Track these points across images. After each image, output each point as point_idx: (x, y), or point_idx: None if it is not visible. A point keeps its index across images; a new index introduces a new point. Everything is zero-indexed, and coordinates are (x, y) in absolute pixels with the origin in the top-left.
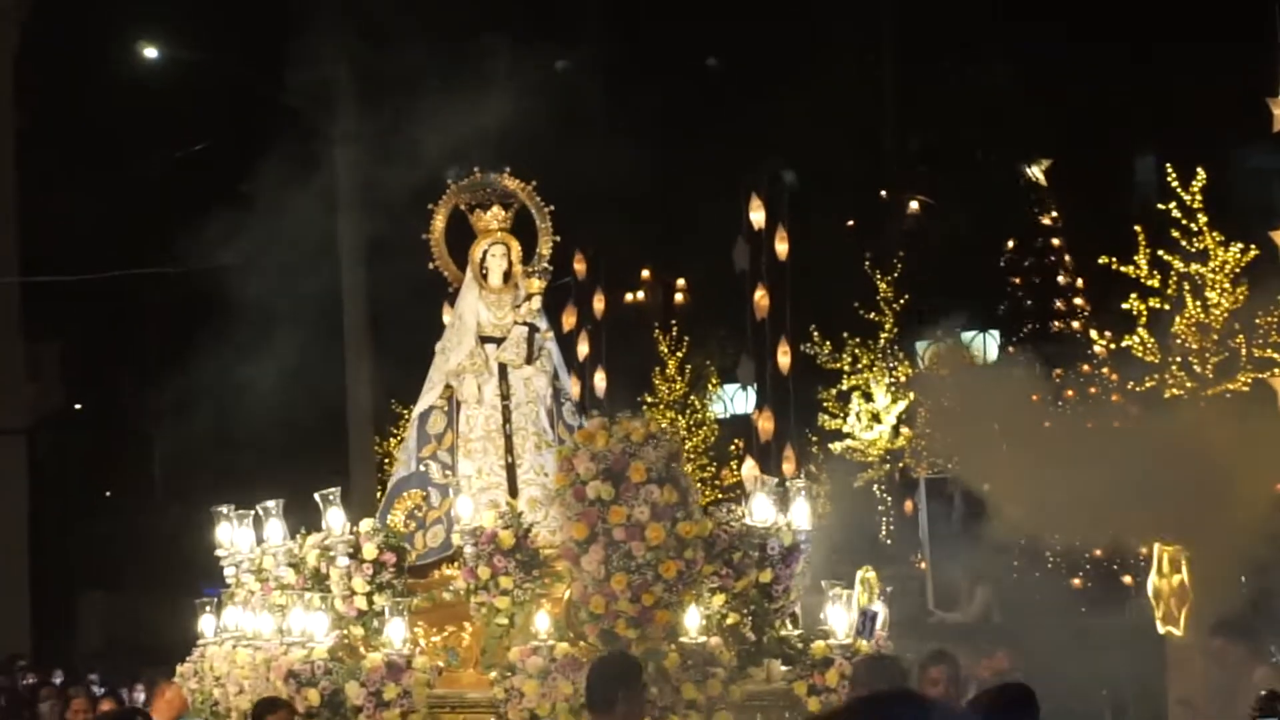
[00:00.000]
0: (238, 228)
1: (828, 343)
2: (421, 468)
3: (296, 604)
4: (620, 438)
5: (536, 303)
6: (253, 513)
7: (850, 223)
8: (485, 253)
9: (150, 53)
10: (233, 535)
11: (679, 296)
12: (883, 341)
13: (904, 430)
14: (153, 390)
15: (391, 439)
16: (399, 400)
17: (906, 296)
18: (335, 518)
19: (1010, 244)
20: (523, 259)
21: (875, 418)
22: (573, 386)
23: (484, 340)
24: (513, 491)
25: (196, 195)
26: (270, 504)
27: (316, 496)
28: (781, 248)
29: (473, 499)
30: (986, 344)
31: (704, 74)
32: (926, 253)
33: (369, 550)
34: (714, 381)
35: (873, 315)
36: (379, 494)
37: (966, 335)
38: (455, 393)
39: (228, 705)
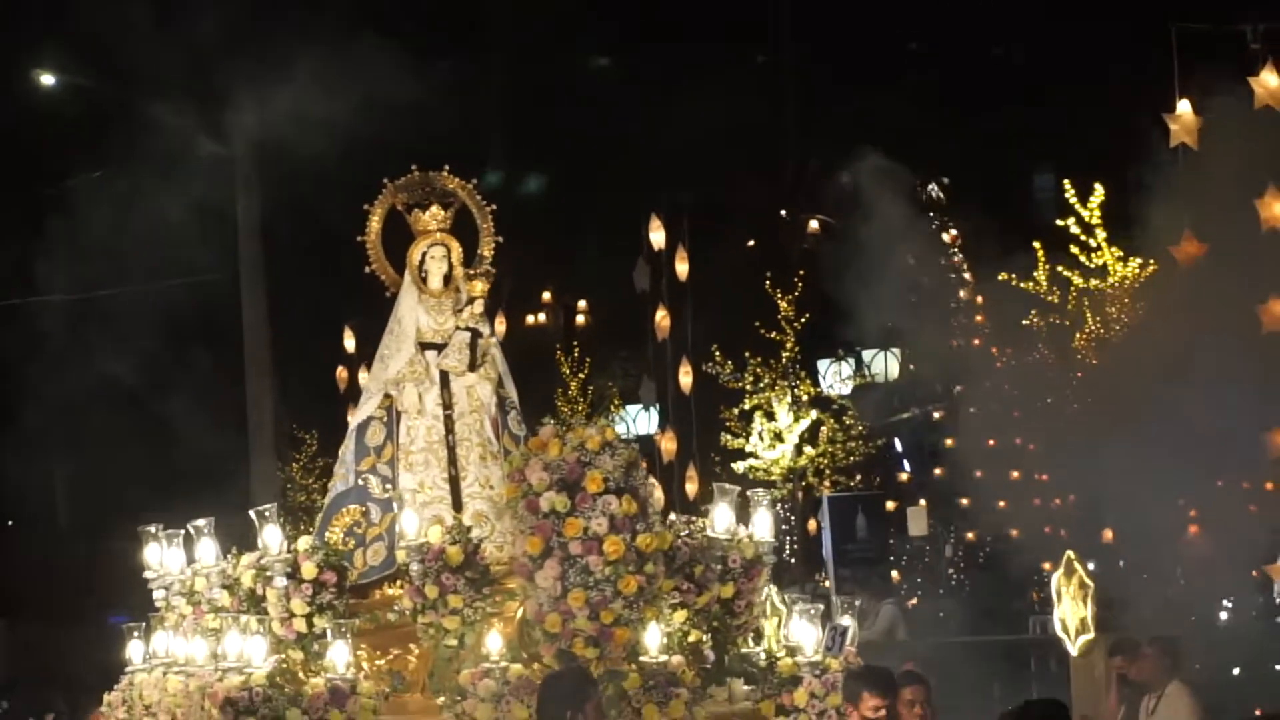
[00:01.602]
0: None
1: (729, 362)
2: (360, 482)
3: (231, 627)
4: (575, 446)
5: (479, 306)
6: (182, 532)
7: (750, 242)
8: (424, 255)
9: (47, 79)
10: (162, 556)
11: (580, 318)
12: (784, 360)
13: (806, 449)
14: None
15: (294, 464)
16: (300, 426)
17: (807, 315)
18: (271, 535)
19: (910, 262)
20: (464, 261)
21: (778, 436)
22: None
23: (424, 347)
24: (457, 505)
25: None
26: (201, 522)
27: (251, 514)
28: (682, 268)
29: (416, 513)
30: (887, 362)
31: (604, 95)
32: (826, 271)
33: (308, 569)
34: (616, 403)
35: (774, 334)
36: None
37: (867, 353)
38: (395, 402)
39: None
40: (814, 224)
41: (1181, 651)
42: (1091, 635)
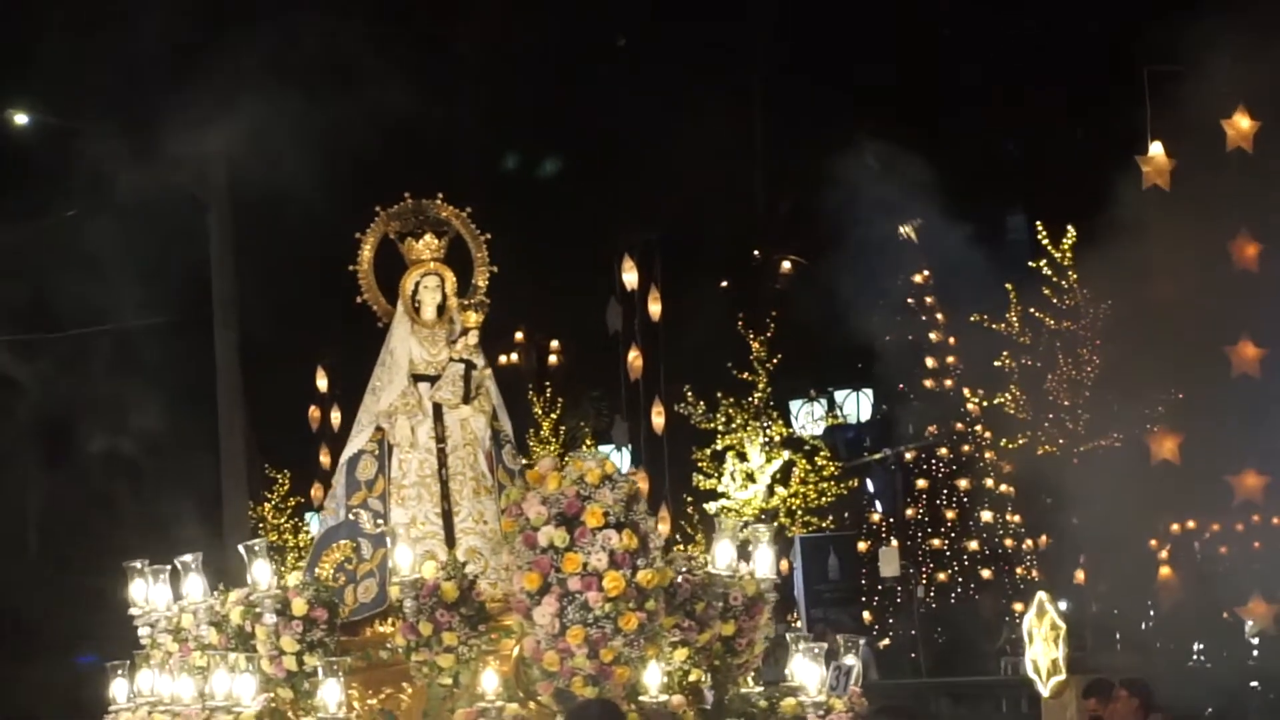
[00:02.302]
0: (111, 292)
1: (702, 403)
2: (351, 516)
3: (219, 665)
4: (574, 479)
5: (473, 338)
6: (169, 567)
7: (723, 283)
8: (417, 284)
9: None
10: (148, 592)
11: (553, 358)
12: (756, 401)
13: (779, 490)
14: (26, 454)
15: (266, 503)
16: (273, 465)
17: (779, 356)
18: (261, 571)
19: (882, 303)
20: (458, 291)
21: (750, 477)
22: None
23: (417, 379)
24: (450, 541)
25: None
26: (188, 558)
27: (241, 549)
28: (655, 308)
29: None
30: (859, 403)
31: (577, 135)
32: (799, 312)
33: (298, 606)
34: (589, 443)
35: (746, 375)
36: None
37: (840, 394)
38: (387, 435)
39: None
40: (786, 264)
41: (1154, 694)
42: (1063, 677)
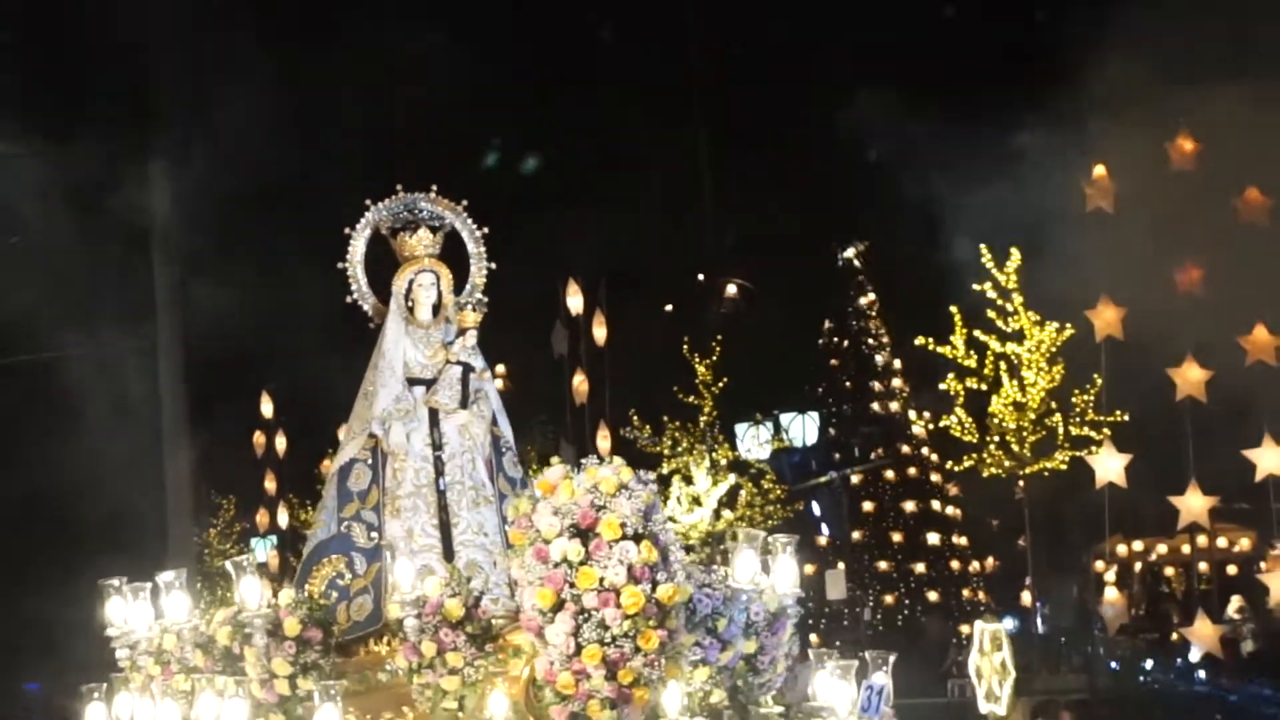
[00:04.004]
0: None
1: (648, 426)
2: (343, 529)
3: (206, 689)
4: (588, 488)
5: (471, 339)
6: (149, 585)
7: (668, 307)
8: (412, 282)
9: None
10: (126, 612)
11: (499, 383)
12: (702, 425)
13: (725, 513)
14: None
15: (211, 529)
16: (217, 491)
17: (725, 380)
18: (250, 589)
19: (827, 325)
20: (454, 289)
21: (696, 500)
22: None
23: (412, 382)
24: (448, 554)
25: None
26: (170, 575)
27: (229, 565)
28: (600, 333)
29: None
30: (805, 426)
31: (522, 160)
32: (744, 336)
33: (291, 626)
34: (535, 468)
35: (691, 399)
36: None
37: (786, 417)
38: (380, 443)
39: None
40: (731, 288)
41: (1097, 716)
42: (1010, 697)
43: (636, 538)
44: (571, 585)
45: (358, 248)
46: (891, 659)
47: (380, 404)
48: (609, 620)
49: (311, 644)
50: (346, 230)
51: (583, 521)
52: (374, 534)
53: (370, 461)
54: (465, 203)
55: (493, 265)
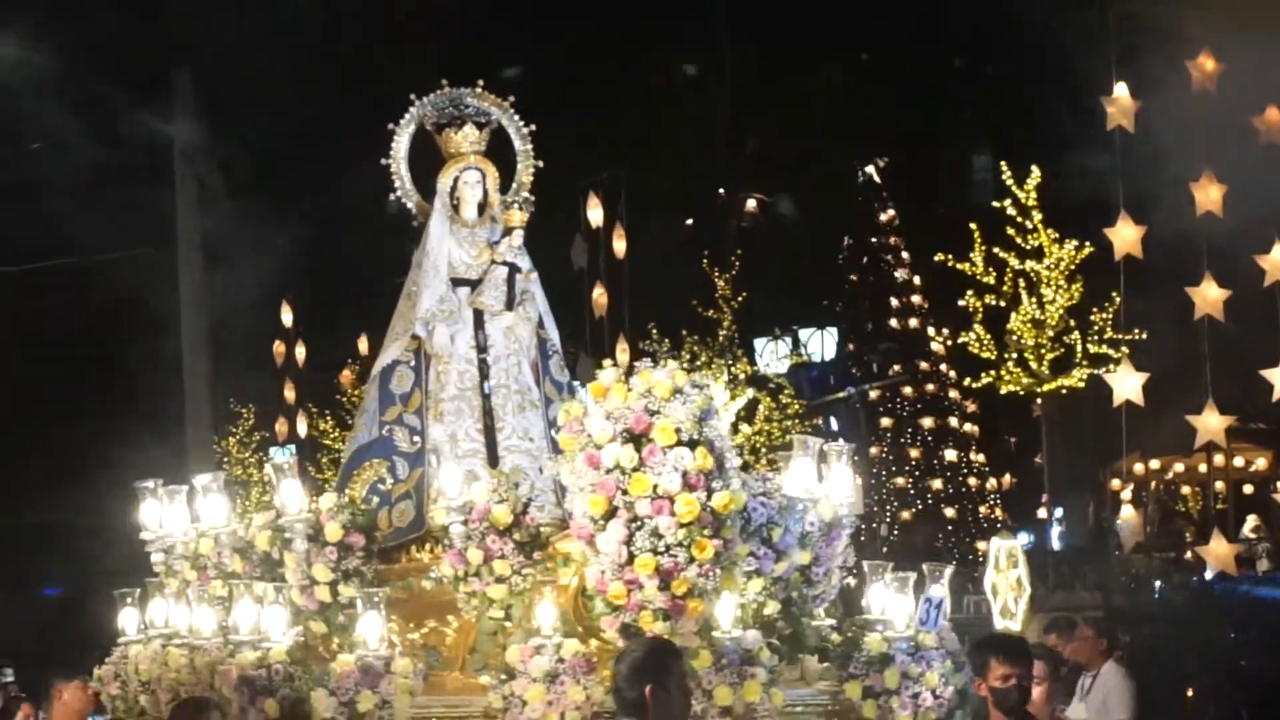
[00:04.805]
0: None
1: (666, 340)
2: (385, 433)
3: (244, 596)
4: (641, 393)
5: (518, 239)
6: (185, 488)
7: (688, 221)
8: (457, 179)
9: None
10: (161, 515)
11: None
12: (721, 338)
13: (743, 427)
14: None
15: (230, 437)
16: (237, 400)
17: (744, 294)
18: (291, 492)
19: (846, 241)
20: (500, 187)
21: None
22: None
23: (456, 283)
24: (492, 460)
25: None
26: (207, 478)
27: (268, 467)
28: (619, 245)
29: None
30: (824, 341)
31: (541, 71)
32: (763, 251)
33: (332, 531)
34: None
35: (710, 313)
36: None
37: (804, 332)
38: (423, 345)
39: (158, 713)
40: (751, 203)
41: (1116, 632)
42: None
43: (692, 444)
44: (624, 492)
45: (402, 143)
46: (948, 571)
47: (424, 304)
48: (663, 529)
49: (354, 549)
50: (390, 126)
51: (636, 426)
52: (416, 438)
53: (413, 364)
54: (512, 98)
55: (540, 164)
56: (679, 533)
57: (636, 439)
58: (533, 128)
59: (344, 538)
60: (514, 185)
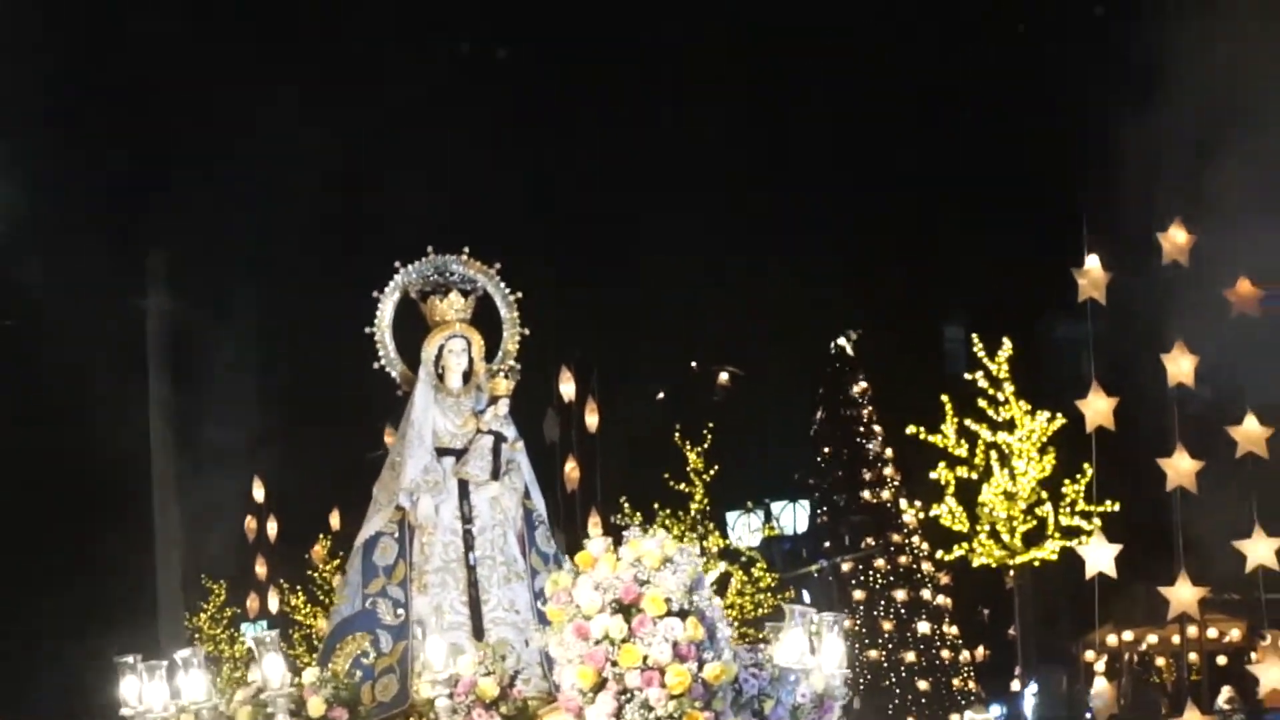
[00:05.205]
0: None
1: (638, 514)
2: (368, 605)
3: None
4: (630, 562)
5: (503, 407)
6: (165, 663)
7: (660, 395)
8: (442, 348)
9: None
10: (141, 690)
11: None
12: (693, 512)
13: (716, 600)
14: None
15: (201, 613)
16: (209, 576)
17: (716, 467)
18: (273, 666)
19: (819, 414)
20: (485, 356)
21: None
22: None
23: (441, 452)
24: (477, 632)
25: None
26: (187, 652)
27: (249, 640)
28: (591, 419)
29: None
30: (796, 514)
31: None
32: (736, 424)
33: (315, 706)
34: None
35: (682, 486)
36: None
37: (776, 505)
38: (407, 516)
39: None
40: (724, 375)
41: None
42: None
43: (682, 614)
44: (614, 664)
45: (386, 310)
46: None
47: (408, 475)
48: (653, 701)
49: None
50: (375, 294)
51: (625, 597)
52: (400, 610)
53: (397, 535)
54: (498, 265)
55: (525, 331)
56: (670, 705)
57: (626, 609)
58: (519, 295)
59: (327, 712)
60: (499, 353)
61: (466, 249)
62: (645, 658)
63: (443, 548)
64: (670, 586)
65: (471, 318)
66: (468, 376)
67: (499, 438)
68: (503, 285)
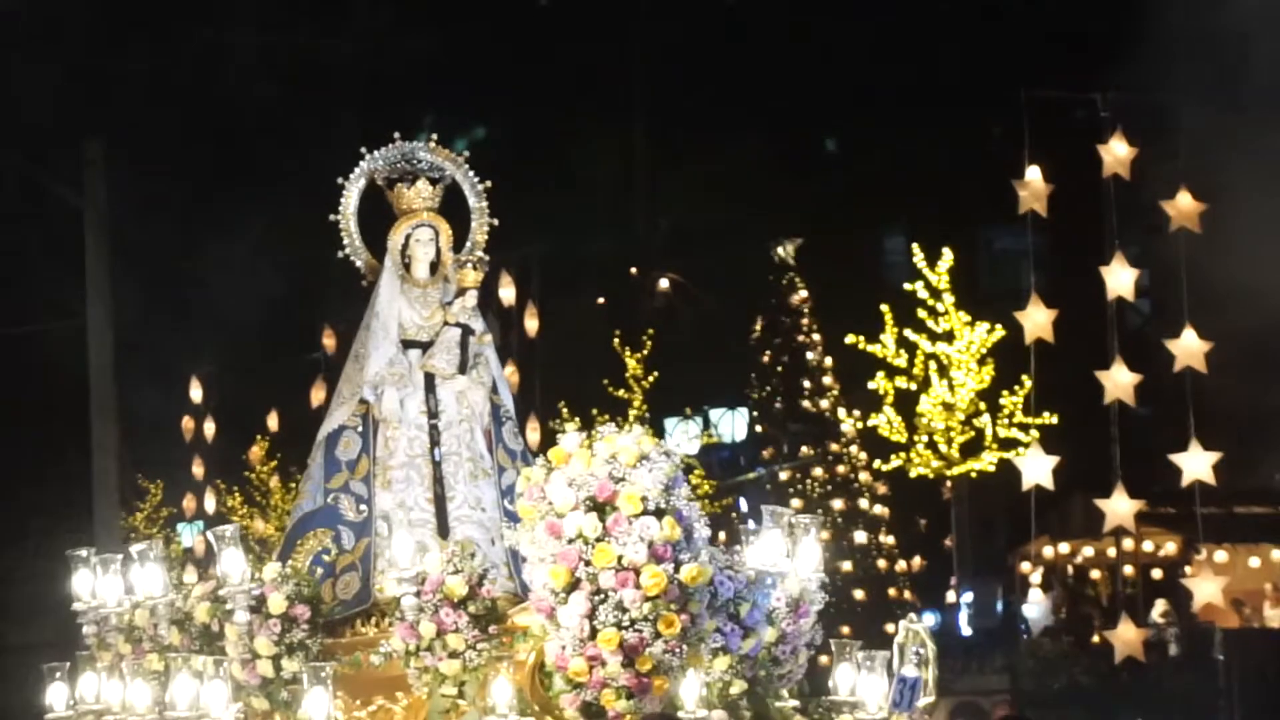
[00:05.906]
0: None
1: (577, 420)
2: (329, 501)
3: (182, 670)
4: (606, 459)
5: (471, 300)
6: (120, 557)
7: (600, 299)
8: (409, 237)
9: None
10: (95, 585)
11: None
12: (631, 419)
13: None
14: None
15: (138, 513)
16: (145, 475)
17: (655, 374)
18: (233, 562)
19: (759, 323)
20: (453, 246)
21: None
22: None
23: (406, 345)
24: (442, 530)
25: None
26: (144, 546)
27: (209, 535)
28: (531, 324)
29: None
30: (735, 422)
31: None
32: (675, 331)
33: (276, 602)
34: None
35: (621, 392)
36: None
37: (715, 413)
38: (371, 410)
39: None
40: (664, 282)
41: (1025, 717)
42: (932, 699)
43: (659, 513)
44: (587, 563)
45: (351, 198)
46: (928, 650)
47: (372, 367)
48: (628, 602)
49: (298, 622)
50: (340, 180)
51: (600, 494)
52: (363, 507)
53: (360, 429)
54: (466, 154)
55: (495, 221)
56: (645, 606)
57: (600, 507)
58: (488, 184)
59: (288, 610)
60: (468, 244)
61: (435, 136)
62: (620, 558)
63: (407, 443)
64: (646, 484)
65: (439, 207)
66: (435, 267)
67: (467, 330)
68: (471, 173)
